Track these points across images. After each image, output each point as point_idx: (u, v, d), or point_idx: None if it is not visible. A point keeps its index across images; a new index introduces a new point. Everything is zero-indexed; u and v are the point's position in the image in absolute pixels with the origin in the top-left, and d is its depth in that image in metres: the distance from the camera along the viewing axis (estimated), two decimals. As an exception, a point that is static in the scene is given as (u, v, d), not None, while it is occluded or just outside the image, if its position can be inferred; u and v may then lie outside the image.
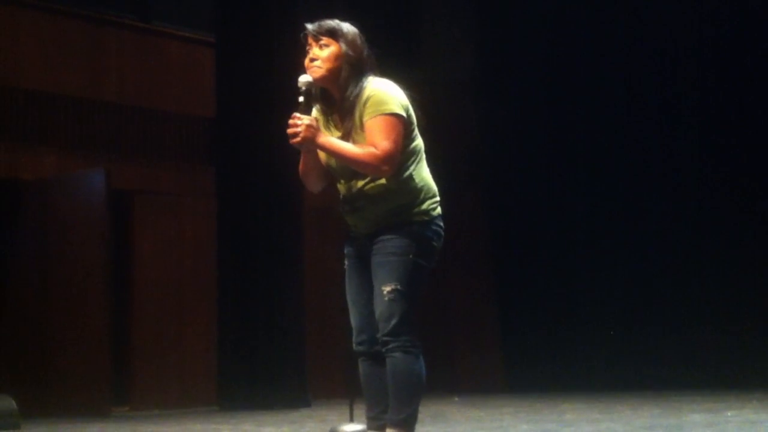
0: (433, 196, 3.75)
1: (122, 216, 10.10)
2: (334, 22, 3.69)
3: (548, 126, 12.37)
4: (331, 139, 3.63)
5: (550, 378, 11.75)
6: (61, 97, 9.90)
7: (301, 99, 3.64)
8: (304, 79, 3.66)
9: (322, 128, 3.68)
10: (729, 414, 6.84)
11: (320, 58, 3.64)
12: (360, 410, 6.96)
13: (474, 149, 13.01)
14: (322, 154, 3.76)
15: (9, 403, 7.23)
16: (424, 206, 3.70)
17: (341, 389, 9.82)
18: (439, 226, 3.75)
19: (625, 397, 9.34)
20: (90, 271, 9.20)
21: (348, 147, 3.60)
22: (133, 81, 10.46)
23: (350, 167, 3.65)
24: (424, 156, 3.77)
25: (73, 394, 9.08)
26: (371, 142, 3.58)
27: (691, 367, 11.01)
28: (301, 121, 3.59)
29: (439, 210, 3.76)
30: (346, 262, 3.83)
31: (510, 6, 12.85)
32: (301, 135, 3.59)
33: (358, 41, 3.69)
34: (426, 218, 3.70)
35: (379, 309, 3.63)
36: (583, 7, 12.18)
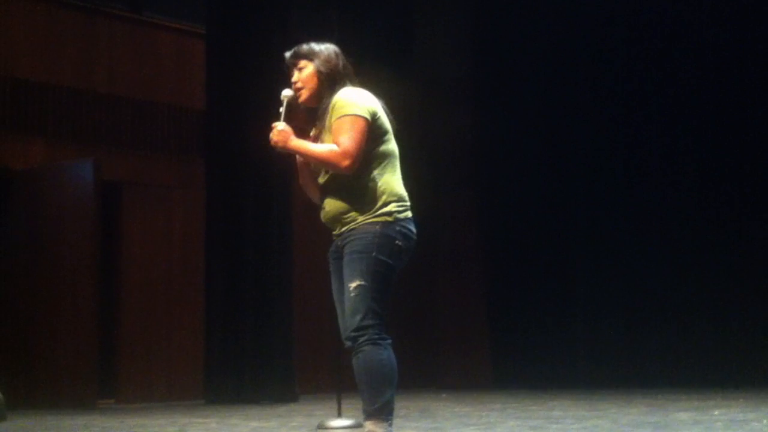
0: (399, 200, 3.91)
1: (111, 207, 10.07)
2: (307, 45, 4.03)
3: (543, 127, 12.36)
4: (300, 141, 3.92)
5: (537, 375, 11.76)
6: (52, 87, 9.86)
7: (281, 109, 4.00)
8: (286, 93, 4.03)
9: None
10: (716, 413, 6.85)
11: (300, 80, 3.99)
12: (347, 405, 6.97)
13: (468, 149, 13.01)
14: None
15: (-5, 394, 7.19)
16: (388, 208, 3.87)
17: (329, 384, 9.81)
18: (406, 228, 3.90)
19: (613, 395, 9.36)
20: (78, 262, 9.17)
21: (314, 147, 3.90)
22: (123, 72, 10.42)
23: (321, 166, 3.92)
24: (395, 162, 3.97)
25: (60, 386, 9.06)
26: (335, 141, 3.84)
27: (678, 365, 11.04)
28: (276, 128, 3.92)
29: (407, 214, 3.93)
30: (329, 265, 4.04)
31: (506, 7, 12.83)
32: (274, 138, 3.91)
33: (333, 56, 4.00)
34: (389, 219, 3.86)
35: (346, 305, 3.83)
36: (579, 8, 12.16)
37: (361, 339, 3.76)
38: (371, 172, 3.87)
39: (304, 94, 3.98)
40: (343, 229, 3.88)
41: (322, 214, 3.97)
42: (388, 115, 3.98)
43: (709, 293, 11.06)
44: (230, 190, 9.71)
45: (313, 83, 3.96)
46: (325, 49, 4.01)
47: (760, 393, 9.01)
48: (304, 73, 3.98)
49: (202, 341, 9.76)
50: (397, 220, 3.87)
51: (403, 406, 8.18)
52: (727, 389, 9.66)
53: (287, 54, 4.05)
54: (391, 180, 3.91)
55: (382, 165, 3.90)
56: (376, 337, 3.77)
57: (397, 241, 3.85)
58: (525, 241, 12.38)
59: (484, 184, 12.94)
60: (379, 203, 3.85)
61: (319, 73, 3.95)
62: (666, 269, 11.38)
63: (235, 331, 9.47)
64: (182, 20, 11.02)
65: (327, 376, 10.22)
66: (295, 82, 3.99)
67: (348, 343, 3.87)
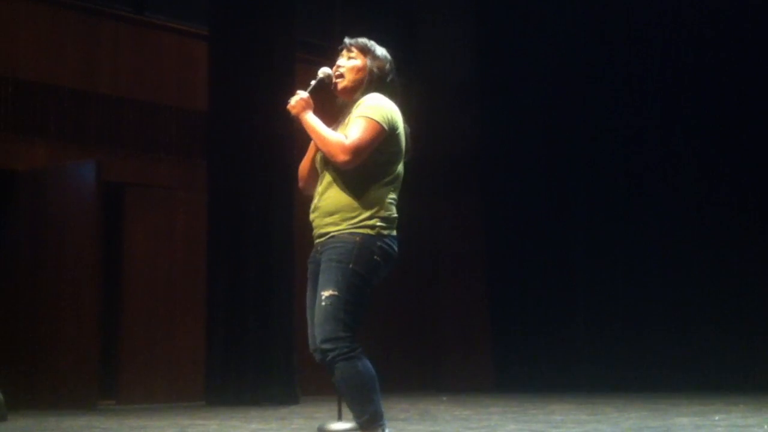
0: (386, 218, 3.78)
1: (113, 208, 10.07)
2: (369, 42, 3.92)
3: (546, 132, 12.38)
4: (313, 117, 3.81)
5: (538, 378, 11.76)
6: (55, 88, 9.87)
7: (312, 82, 3.86)
8: (324, 70, 3.88)
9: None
10: (716, 418, 6.85)
11: (346, 67, 3.86)
12: (348, 408, 6.97)
13: (471, 152, 13.02)
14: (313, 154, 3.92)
15: (-3, 395, 7.20)
16: (371, 222, 3.75)
17: (330, 386, 9.79)
18: (387, 244, 3.77)
19: (613, 399, 9.35)
20: (80, 263, 9.18)
21: (323, 128, 3.78)
22: (127, 73, 10.43)
23: (321, 149, 3.80)
24: (396, 185, 3.85)
25: (61, 387, 9.06)
26: (346, 134, 3.75)
27: (679, 369, 11.03)
28: (299, 96, 3.83)
29: (391, 231, 3.80)
30: (308, 270, 3.93)
31: (508, 10, 12.84)
32: (293, 103, 3.81)
33: (386, 64, 3.89)
34: (371, 232, 3.74)
35: (317, 314, 3.70)
36: (581, 11, 12.17)
37: (332, 355, 3.66)
38: (369, 184, 3.76)
39: (341, 83, 3.86)
40: (324, 231, 3.77)
41: (313, 211, 3.85)
42: (406, 141, 3.88)
43: (711, 297, 11.06)
44: (233, 192, 9.71)
45: (355, 76, 3.84)
46: (382, 54, 3.90)
47: (761, 398, 9.00)
48: (352, 63, 3.86)
49: (204, 343, 9.76)
50: (380, 235, 3.74)
51: (403, 409, 8.18)
52: (728, 394, 9.65)
53: (347, 38, 3.90)
54: (385, 198, 3.79)
55: (383, 182, 3.79)
56: (347, 350, 3.65)
57: (375, 256, 3.71)
58: (527, 246, 12.40)
59: (487, 189, 12.96)
60: (365, 215, 3.73)
61: (366, 69, 3.84)
62: (667, 274, 11.39)
63: (236, 332, 9.47)
64: (185, 22, 11.03)
65: (328, 379, 10.21)
66: (339, 67, 3.86)
67: (317, 356, 3.79)
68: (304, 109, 3.80)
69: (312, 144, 3.89)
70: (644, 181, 11.82)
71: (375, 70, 3.85)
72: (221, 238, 9.70)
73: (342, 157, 3.69)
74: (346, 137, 3.70)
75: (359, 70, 3.85)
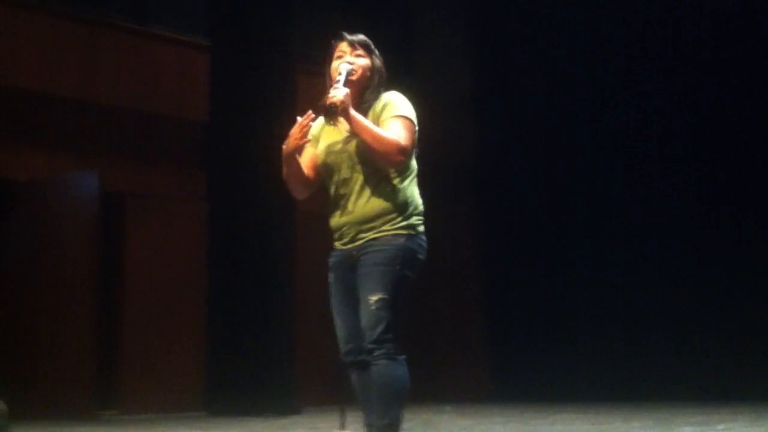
0: (420, 213, 3.86)
1: (113, 218, 10.05)
2: (367, 39, 3.94)
3: (543, 141, 12.39)
4: (359, 114, 3.74)
5: (538, 388, 11.72)
6: (55, 98, 9.86)
7: (340, 78, 3.78)
8: (347, 66, 3.82)
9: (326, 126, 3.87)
10: (720, 427, 6.83)
11: (357, 64, 3.85)
12: (350, 418, 6.93)
13: (469, 160, 13.01)
14: (309, 157, 3.88)
15: (0, 406, 7.16)
16: (411, 220, 3.80)
17: (331, 396, 9.77)
18: (424, 241, 3.85)
19: (617, 409, 9.32)
20: (80, 273, 9.15)
21: (374, 126, 3.73)
22: (127, 83, 10.42)
23: (359, 155, 3.75)
24: (416, 177, 3.89)
25: (61, 397, 9.02)
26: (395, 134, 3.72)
27: (682, 378, 10.99)
28: (341, 90, 3.70)
29: (423, 227, 3.86)
30: (330, 275, 3.91)
31: (507, 19, 12.86)
32: (341, 98, 3.67)
33: (383, 65, 3.94)
34: (412, 232, 3.79)
35: (366, 318, 3.71)
36: (580, 20, 12.19)
37: (378, 352, 3.68)
38: (404, 183, 3.79)
39: (353, 78, 3.85)
40: (361, 236, 3.75)
41: (343, 218, 3.80)
42: None
43: (714, 306, 11.04)
44: (232, 201, 9.70)
45: (364, 74, 3.84)
46: (378, 53, 3.95)
47: (765, 407, 8.97)
48: (363, 62, 3.86)
49: (203, 352, 9.73)
50: (418, 233, 3.80)
51: (406, 419, 8.14)
52: (732, 403, 9.62)
53: (348, 35, 3.91)
54: (416, 192, 3.85)
55: (410, 178, 3.84)
56: (393, 352, 3.69)
57: (419, 255, 3.79)
58: (524, 254, 12.38)
59: (484, 198, 12.95)
60: (405, 214, 3.77)
61: (375, 69, 3.88)
62: (669, 282, 11.37)
63: (236, 342, 9.44)
64: (185, 32, 11.02)
65: (329, 389, 10.17)
66: (352, 63, 3.84)
67: (349, 358, 3.80)
68: (350, 105, 3.72)
69: (285, 150, 3.76)
70: (645, 190, 11.81)
71: (379, 68, 3.89)
72: (221, 248, 9.69)
73: (399, 158, 3.72)
74: (399, 138, 3.70)
75: (369, 69, 3.87)
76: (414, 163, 3.88)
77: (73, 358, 9.06)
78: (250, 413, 9.12)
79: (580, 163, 12.14)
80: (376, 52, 3.93)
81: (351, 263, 3.79)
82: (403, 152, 3.71)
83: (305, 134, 3.75)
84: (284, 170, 3.87)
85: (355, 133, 3.74)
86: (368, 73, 3.86)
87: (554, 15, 12.40)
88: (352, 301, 3.78)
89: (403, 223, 3.76)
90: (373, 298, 3.68)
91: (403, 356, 3.73)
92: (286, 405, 9.31)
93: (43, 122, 9.78)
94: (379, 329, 3.66)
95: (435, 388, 12.62)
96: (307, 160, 3.89)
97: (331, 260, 3.90)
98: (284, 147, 3.77)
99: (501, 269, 12.63)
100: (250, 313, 9.46)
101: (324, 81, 3.88)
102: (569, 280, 12.08)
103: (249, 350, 9.40)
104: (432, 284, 12.78)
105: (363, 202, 3.76)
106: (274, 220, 9.61)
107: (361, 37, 3.94)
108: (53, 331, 9.22)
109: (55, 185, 9.51)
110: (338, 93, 3.70)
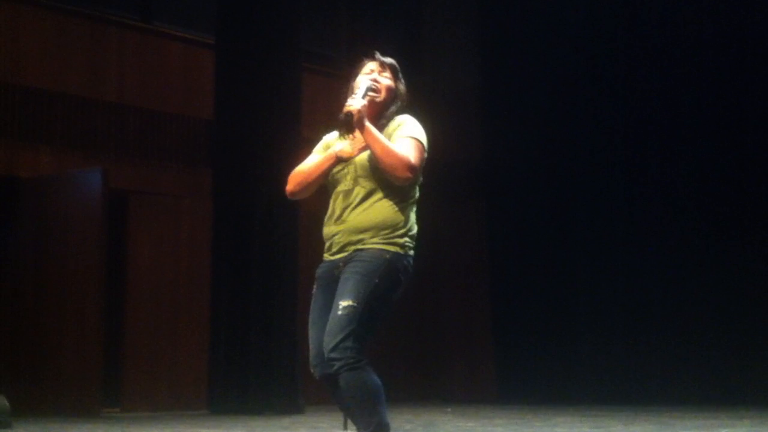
0: (413, 236, 3.86)
1: (118, 216, 10.06)
2: (396, 64, 4.03)
3: (549, 139, 12.36)
4: (373, 126, 3.79)
5: (542, 390, 11.72)
6: (61, 96, 9.87)
7: (361, 91, 3.84)
8: (369, 82, 3.91)
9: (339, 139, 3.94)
10: (723, 431, 6.82)
11: (383, 84, 3.94)
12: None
13: (475, 162, 13.00)
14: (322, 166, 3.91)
15: (2, 402, 7.19)
16: (402, 239, 3.80)
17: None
18: (410, 264, 3.83)
19: (618, 412, 9.32)
20: (85, 271, 9.17)
21: (386, 140, 3.78)
22: (132, 81, 10.43)
23: (364, 170, 3.79)
24: (416, 205, 3.93)
25: (65, 394, 9.04)
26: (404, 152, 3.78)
27: (684, 382, 10.98)
28: (359, 101, 3.78)
29: (413, 252, 3.86)
30: (314, 286, 3.91)
31: (513, 16, 12.85)
32: (359, 108, 3.75)
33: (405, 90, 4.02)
34: (400, 251, 3.78)
35: (330, 323, 3.66)
36: (586, 17, 12.17)
37: (338, 364, 3.61)
38: (404, 203, 3.82)
39: (377, 98, 3.93)
40: (349, 247, 3.76)
41: (335, 227, 3.83)
42: None
43: (716, 309, 11.02)
44: (237, 199, 9.71)
45: (388, 95, 3.93)
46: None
47: (767, 411, 8.97)
48: (388, 83, 3.96)
49: (207, 351, 9.75)
50: (406, 254, 3.79)
51: (407, 420, 8.15)
52: (734, 407, 9.62)
53: (380, 55, 4.00)
54: (412, 217, 3.87)
55: (410, 202, 3.86)
56: (353, 361, 3.60)
57: (400, 274, 3.76)
58: (530, 255, 12.36)
59: (490, 198, 12.94)
60: (398, 232, 3.77)
61: (397, 93, 3.96)
62: (672, 285, 11.34)
63: (240, 341, 9.45)
64: (191, 30, 11.03)
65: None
66: (377, 81, 3.92)
67: (317, 371, 3.76)
68: (365, 117, 3.77)
69: (328, 156, 3.86)
70: (650, 190, 11.79)
71: (401, 93, 3.98)
72: (225, 246, 9.70)
73: (406, 174, 3.73)
74: (408, 156, 3.74)
75: (392, 91, 3.95)
76: (416, 191, 3.90)
77: (78, 356, 9.08)
78: (254, 412, 9.14)
79: (587, 163, 12.11)
80: (402, 79, 4.01)
81: (336, 275, 3.78)
82: (411, 169, 3.73)
83: (362, 149, 3.82)
84: (313, 169, 3.91)
85: (366, 143, 3.77)
86: (389, 95, 3.94)
87: (562, 14, 12.38)
88: (328, 313, 3.73)
89: (393, 240, 3.76)
90: (343, 304, 3.64)
91: (364, 361, 3.64)
92: (289, 404, 9.32)
93: (49, 120, 9.79)
94: (340, 337, 3.60)
95: (440, 389, 12.63)
96: (326, 166, 3.93)
97: (318, 271, 3.91)
98: (340, 153, 3.83)
99: (506, 271, 12.60)
100: (254, 312, 9.47)
101: (346, 92, 3.93)
102: (574, 283, 12.06)
103: (252, 349, 9.41)
104: (438, 285, 12.79)
105: (358, 213, 3.78)
106: (278, 220, 9.61)
107: (392, 60, 4.02)
108: (58, 328, 9.24)
109: (60, 183, 9.53)
110: (355, 103, 3.77)
